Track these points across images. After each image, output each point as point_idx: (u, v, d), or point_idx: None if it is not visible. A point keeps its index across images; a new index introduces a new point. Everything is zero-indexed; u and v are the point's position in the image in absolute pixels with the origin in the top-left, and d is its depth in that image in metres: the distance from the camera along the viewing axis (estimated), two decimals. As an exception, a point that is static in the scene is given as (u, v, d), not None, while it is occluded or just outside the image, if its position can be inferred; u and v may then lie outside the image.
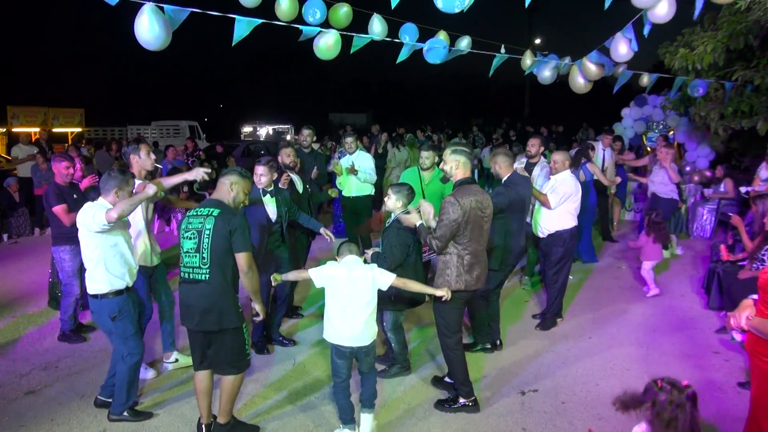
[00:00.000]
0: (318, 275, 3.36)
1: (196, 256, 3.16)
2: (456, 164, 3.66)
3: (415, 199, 5.83)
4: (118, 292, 3.49)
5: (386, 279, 3.35)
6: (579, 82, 4.84)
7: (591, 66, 4.60)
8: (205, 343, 3.31)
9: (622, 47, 4.22)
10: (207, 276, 3.16)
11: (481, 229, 3.61)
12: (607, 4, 3.71)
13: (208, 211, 3.19)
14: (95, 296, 3.47)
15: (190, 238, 3.18)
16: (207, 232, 3.14)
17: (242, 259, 3.20)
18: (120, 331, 3.50)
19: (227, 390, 3.35)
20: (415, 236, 3.89)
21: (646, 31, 3.98)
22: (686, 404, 2.21)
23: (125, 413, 3.59)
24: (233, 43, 3.55)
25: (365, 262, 3.53)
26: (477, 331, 4.73)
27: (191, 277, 3.19)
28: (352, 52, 4.19)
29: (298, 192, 5.33)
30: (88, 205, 3.44)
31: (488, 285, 4.54)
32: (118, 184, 3.45)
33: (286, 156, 5.28)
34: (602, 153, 8.40)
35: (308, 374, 4.32)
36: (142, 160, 4.17)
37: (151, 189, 3.57)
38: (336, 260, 3.45)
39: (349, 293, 3.30)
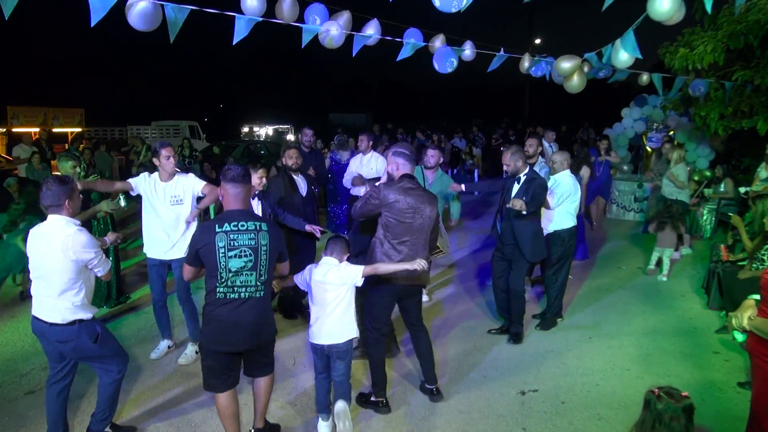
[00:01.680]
0: (299, 281, 3.54)
1: (251, 274, 2.95)
2: (396, 166, 3.73)
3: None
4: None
5: (355, 272, 3.34)
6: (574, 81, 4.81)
7: (564, 65, 4.60)
8: (237, 362, 3.17)
9: (623, 54, 4.22)
10: (262, 292, 3.03)
11: (408, 226, 3.58)
12: (606, 4, 3.68)
13: (255, 225, 2.97)
14: (72, 323, 3.07)
15: (241, 256, 2.92)
16: (263, 248, 2.96)
17: (286, 267, 3.27)
18: (106, 350, 3.24)
19: (268, 390, 3.34)
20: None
21: (635, 24, 3.96)
22: (681, 416, 2.17)
23: (107, 429, 3.43)
24: (234, 42, 3.52)
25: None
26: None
27: (244, 296, 2.97)
28: (354, 54, 4.15)
29: (301, 195, 5.32)
30: (75, 236, 3.00)
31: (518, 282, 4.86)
32: (66, 194, 3.03)
33: (289, 158, 5.28)
34: (549, 149, 8.68)
35: (309, 373, 4.32)
36: (161, 162, 4.27)
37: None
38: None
39: (321, 294, 3.38)
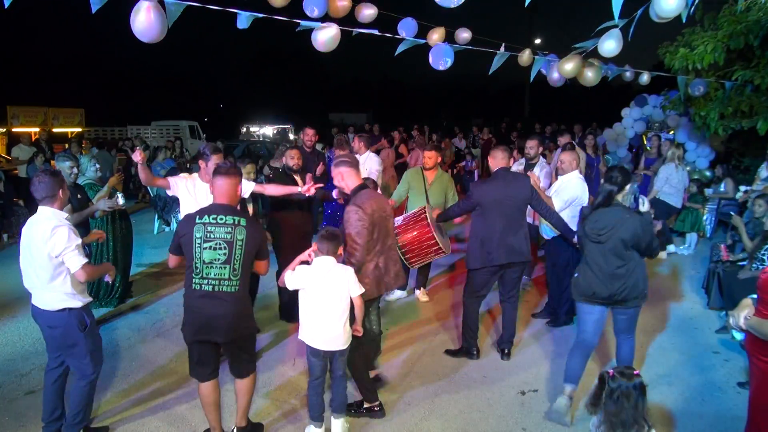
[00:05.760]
0: (292, 281, 3.30)
1: (225, 268, 3.04)
2: (341, 176, 3.59)
3: (419, 199, 5.81)
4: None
5: (356, 290, 3.31)
6: (588, 76, 4.70)
7: (566, 65, 4.53)
8: (216, 353, 3.26)
9: (609, 43, 4.14)
10: (236, 287, 3.08)
11: (386, 228, 3.62)
12: (616, 16, 3.49)
13: (233, 220, 3.06)
14: (62, 310, 3.15)
15: (215, 249, 3.02)
16: (239, 243, 3.04)
17: (264, 266, 3.34)
18: (90, 343, 3.24)
19: (250, 389, 3.37)
20: None
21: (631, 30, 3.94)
22: (632, 393, 2.40)
23: None
24: (240, 27, 3.46)
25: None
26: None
27: (218, 290, 3.05)
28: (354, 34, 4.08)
29: (303, 194, 5.30)
30: (53, 230, 3.07)
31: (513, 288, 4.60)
32: (59, 184, 3.18)
33: (290, 158, 5.27)
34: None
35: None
36: (209, 168, 4.04)
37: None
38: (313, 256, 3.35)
39: (324, 296, 3.24)
